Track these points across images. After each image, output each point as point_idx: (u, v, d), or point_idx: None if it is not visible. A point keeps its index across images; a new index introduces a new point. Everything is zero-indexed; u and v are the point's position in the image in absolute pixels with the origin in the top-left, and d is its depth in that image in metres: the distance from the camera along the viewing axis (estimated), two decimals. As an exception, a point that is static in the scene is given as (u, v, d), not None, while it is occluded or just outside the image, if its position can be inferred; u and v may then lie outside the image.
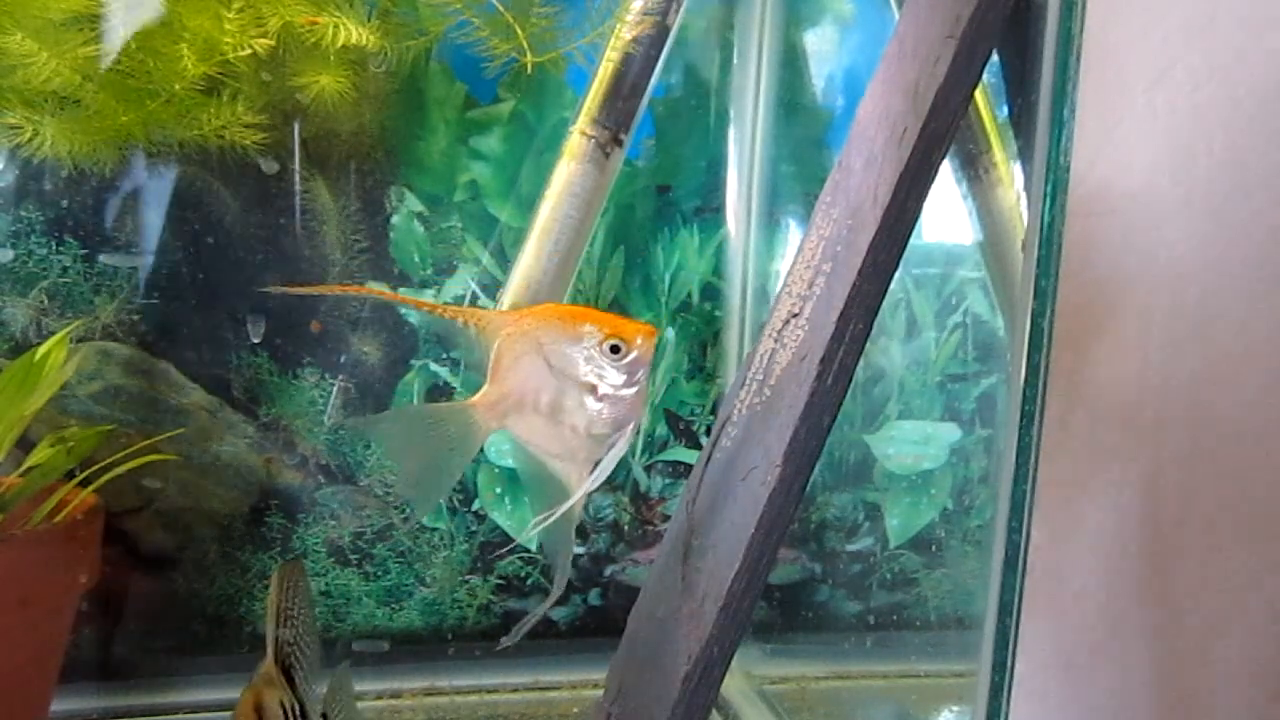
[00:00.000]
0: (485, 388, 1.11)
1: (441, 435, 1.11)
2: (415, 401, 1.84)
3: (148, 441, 1.67)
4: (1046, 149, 1.19)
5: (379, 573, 1.89)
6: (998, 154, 1.55)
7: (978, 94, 1.52)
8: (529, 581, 1.92)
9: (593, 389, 1.10)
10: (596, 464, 1.12)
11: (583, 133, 1.61)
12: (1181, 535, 1.11)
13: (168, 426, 1.75)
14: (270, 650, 1.10)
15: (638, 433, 1.17)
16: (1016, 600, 1.20)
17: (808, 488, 1.97)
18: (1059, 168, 1.17)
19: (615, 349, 1.09)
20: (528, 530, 1.14)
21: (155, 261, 1.74)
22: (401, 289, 1.83)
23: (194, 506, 1.81)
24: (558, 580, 1.19)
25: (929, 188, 1.15)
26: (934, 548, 1.95)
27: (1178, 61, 1.11)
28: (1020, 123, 1.32)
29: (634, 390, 1.11)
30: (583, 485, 1.12)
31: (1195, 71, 1.11)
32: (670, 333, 1.94)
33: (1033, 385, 1.19)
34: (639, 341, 1.10)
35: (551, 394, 1.10)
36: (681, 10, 1.68)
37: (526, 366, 1.10)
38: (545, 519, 1.12)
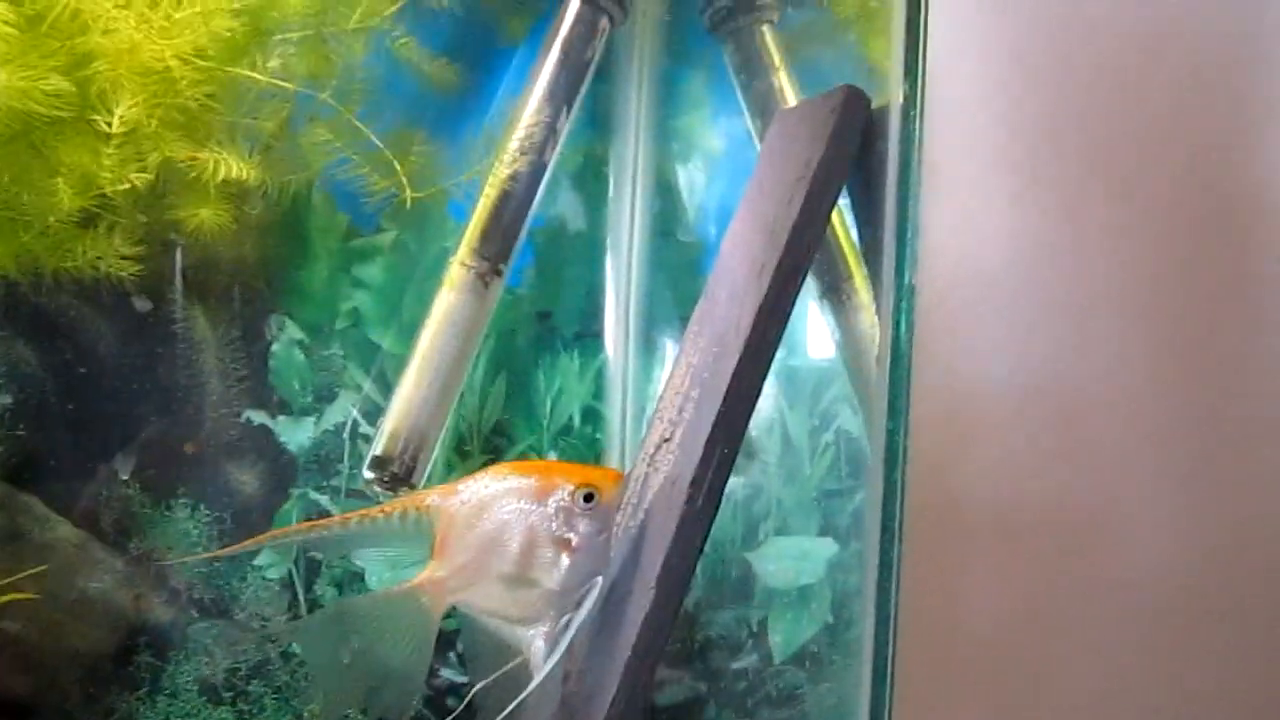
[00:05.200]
0: (432, 565, 1.04)
1: (390, 631, 1.02)
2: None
3: (7, 580, 1.60)
4: (894, 273, 1.27)
5: (254, 711, 1.82)
6: (858, 280, 1.64)
7: (838, 224, 1.63)
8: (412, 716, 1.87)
9: (566, 543, 1.06)
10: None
11: (463, 264, 1.66)
12: (1052, 641, 1.16)
13: (30, 563, 1.68)
14: None
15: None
16: (887, 711, 1.23)
17: (692, 606, 2.00)
18: (906, 288, 1.25)
19: (589, 498, 1.06)
20: (504, 714, 1.05)
21: (23, 393, 1.70)
22: (280, 417, 1.82)
23: (56, 647, 1.73)
24: None
25: (788, 317, 1.23)
26: (816, 662, 1.98)
27: (1024, 190, 1.21)
28: (870, 250, 1.41)
29: (605, 537, 1.08)
30: (553, 644, 1.05)
31: (1040, 200, 1.21)
32: (553, 457, 1.96)
33: (891, 501, 1.25)
34: (609, 487, 1.08)
35: (517, 557, 1.05)
36: (559, 147, 1.76)
37: (484, 534, 1.05)
38: (520, 697, 1.04)
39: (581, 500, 1.06)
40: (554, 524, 1.05)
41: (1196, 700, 0.97)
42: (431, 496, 1.06)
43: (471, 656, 1.08)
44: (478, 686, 1.05)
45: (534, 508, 1.05)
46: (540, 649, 1.06)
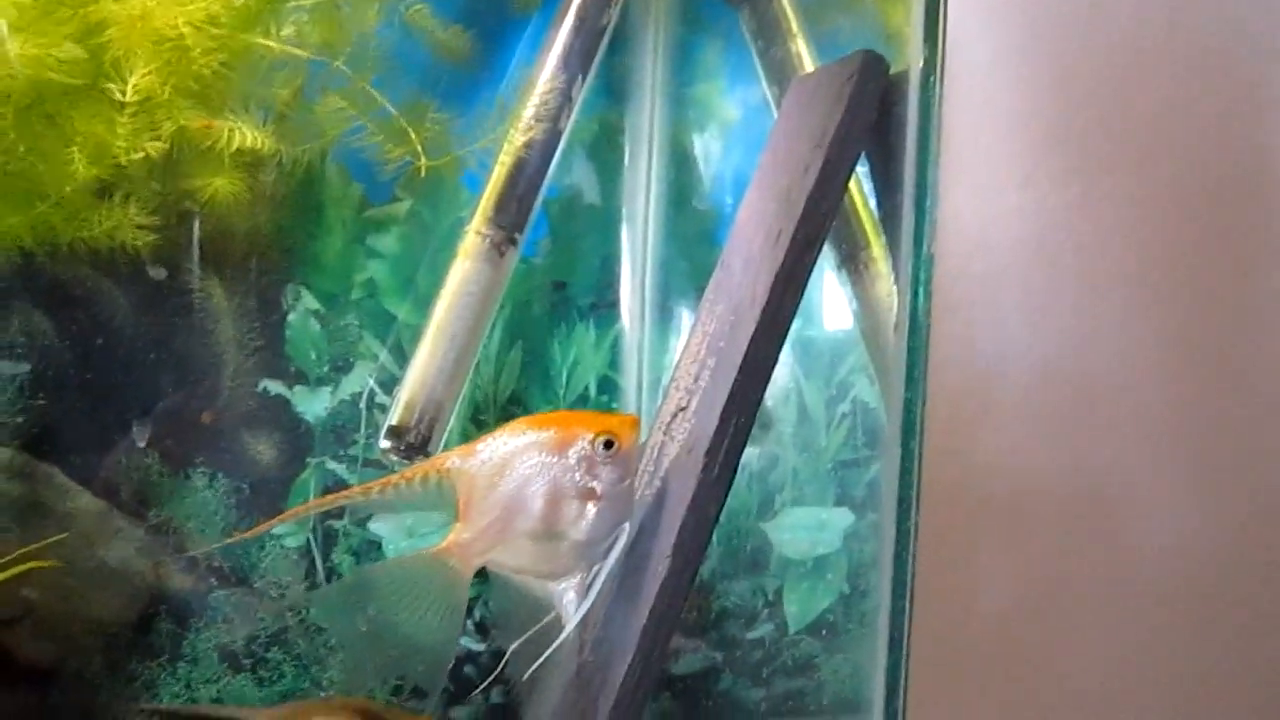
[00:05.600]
0: (457, 528, 1.03)
1: (418, 598, 1.01)
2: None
3: (27, 549, 1.62)
4: (912, 243, 1.26)
5: (274, 678, 1.84)
6: (876, 250, 1.63)
7: (855, 193, 1.61)
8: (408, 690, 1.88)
9: (591, 493, 1.05)
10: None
11: (478, 233, 1.65)
12: (1063, 611, 1.16)
13: (52, 533, 1.70)
14: None
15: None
16: (903, 680, 1.23)
17: (708, 576, 2.00)
18: (925, 260, 1.24)
19: (609, 445, 1.04)
20: (533, 667, 1.03)
21: (41, 363, 1.71)
22: (297, 387, 1.82)
23: (77, 615, 1.74)
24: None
25: (804, 286, 1.22)
26: (832, 632, 1.98)
27: (1041, 165, 1.20)
28: (889, 220, 1.40)
29: (628, 484, 1.07)
30: (583, 596, 1.05)
31: (1058, 174, 1.20)
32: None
33: (909, 471, 1.24)
34: (628, 432, 1.06)
35: (542, 512, 1.03)
36: (573, 115, 1.75)
37: (507, 492, 1.03)
38: (549, 649, 1.03)
39: (602, 448, 1.04)
40: (576, 475, 1.03)
41: (1210, 678, 0.97)
42: (451, 459, 1.05)
43: (502, 615, 1.07)
44: (514, 645, 1.04)
45: (555, 460, 1.03)
46: (571, 602, 1.05)
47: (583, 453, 1.04)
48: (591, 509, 1.04)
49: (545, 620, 1.05)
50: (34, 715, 1.73)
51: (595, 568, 1.06)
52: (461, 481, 1.03)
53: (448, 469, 1.03)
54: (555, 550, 1.04)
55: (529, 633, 1.04)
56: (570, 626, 1.04)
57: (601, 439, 1.04)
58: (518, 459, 1.03)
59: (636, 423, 1.09)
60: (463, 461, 1.04)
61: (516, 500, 1.03)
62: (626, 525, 1.08)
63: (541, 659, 1.03)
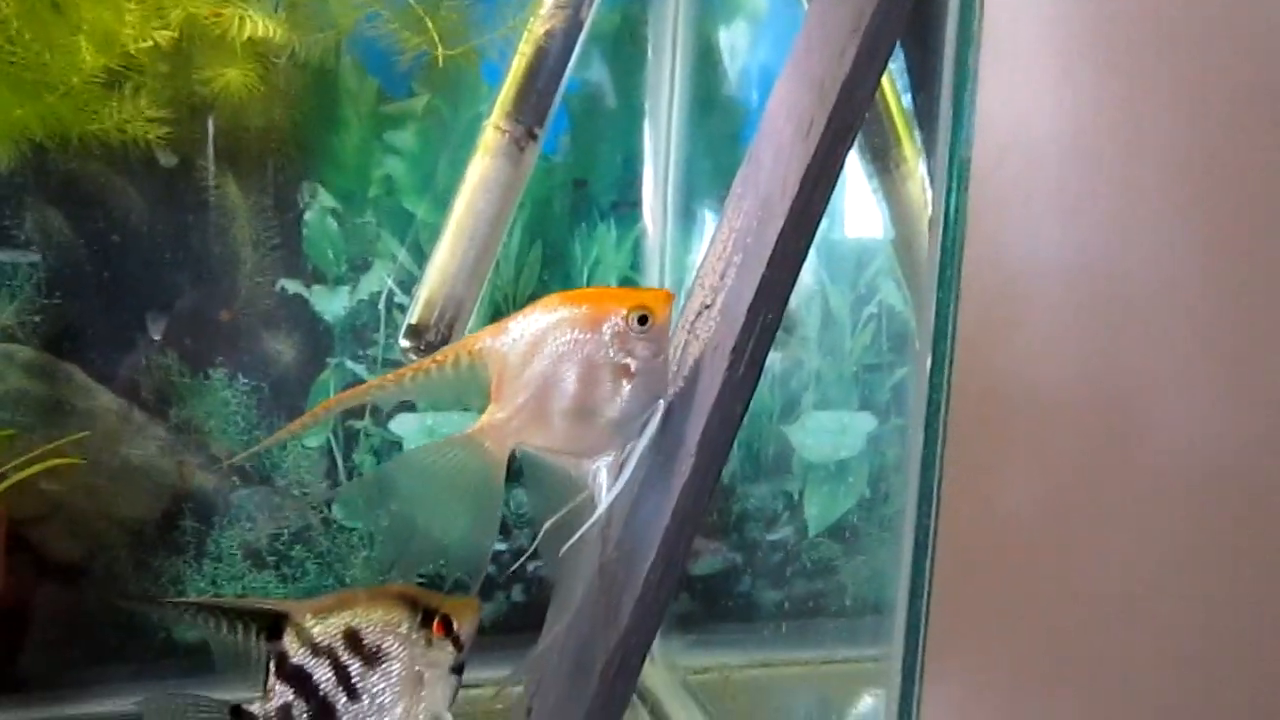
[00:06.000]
0: (490, 409, 1.00)
1: (455, 482, 0.99)
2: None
3: (52, 446, 1.62)
4: (949, 141, 1.21)
5: (297, 575, 1.86)
6: (907, 148, 1.58)
7: (887, 89, 1.55)
8: (446, 587, 1.90)
9: (625, 370, 1.02)
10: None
11: (497, 128, 1.61)
12: (1089, 518, 1.14)
13: (74, 431, 1.70)
14: None
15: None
16: (927, 584, 1.23)
17: (729, 479, 2.00)
18: (961, 159, 1.20)
19: (643, 320, 1.01)
20: (566, 546, 1.02)
21: (58, 260, 1.69)
22: (315, 286, 1.80)
23: (103, 512, 1.76)
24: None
25: (836, 180, 1.17)
26: (852, 535, 1.98)
27: (1082, 60, 1.14)
28: (924, 116, 1.35)
29: (662, 359, 1.04)
30: (616, 475, 1.03)
31: (1099, 68, 1.14)
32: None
33: (939, 373, 1.22)
34: (662, 307, 1.03)
35: (576, 389, 1.01)
36: (595, 5, 1.68)
37: (540, 370, 1.00)
38: (584, 527, 1.01)
39: (636, 323, 1.01)
40: (610, 351, 1.00)
41: (1238, 583, 0.95)
42: (482, 339, 1.01)
43: (535, 495, 1.05)
44: (547, 524, 1.02)
45: (588, 336, 1.00)
46: (605, 481, 1.03)
47: (616, 328, 1.01)
48: (626, 385, 1.02)
49: (578, 499, 1.02)
50: (65, 608, 1.76)
51: (629, 446, 1.04)
52: (494, 361, 1.00)
53: (479, 349, 1.00)
54: (590, 428, 1.02)
55: (561, 512, 1.01)
56: (603, 507, 1.02)
57: (636, 314, 1.01)
58: (550, 336, 1.00)
59: (670, 297, 1.04)
60: (494, 341, 1.00)
61: (550, 378, 1.00)
62: (661, 402, 1.05)
63: (575, 538, 1.01)
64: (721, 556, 2.04)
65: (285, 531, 1.84)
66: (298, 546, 1.85)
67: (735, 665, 1.93)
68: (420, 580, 1.56)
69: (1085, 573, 1.12)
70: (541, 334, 1.00)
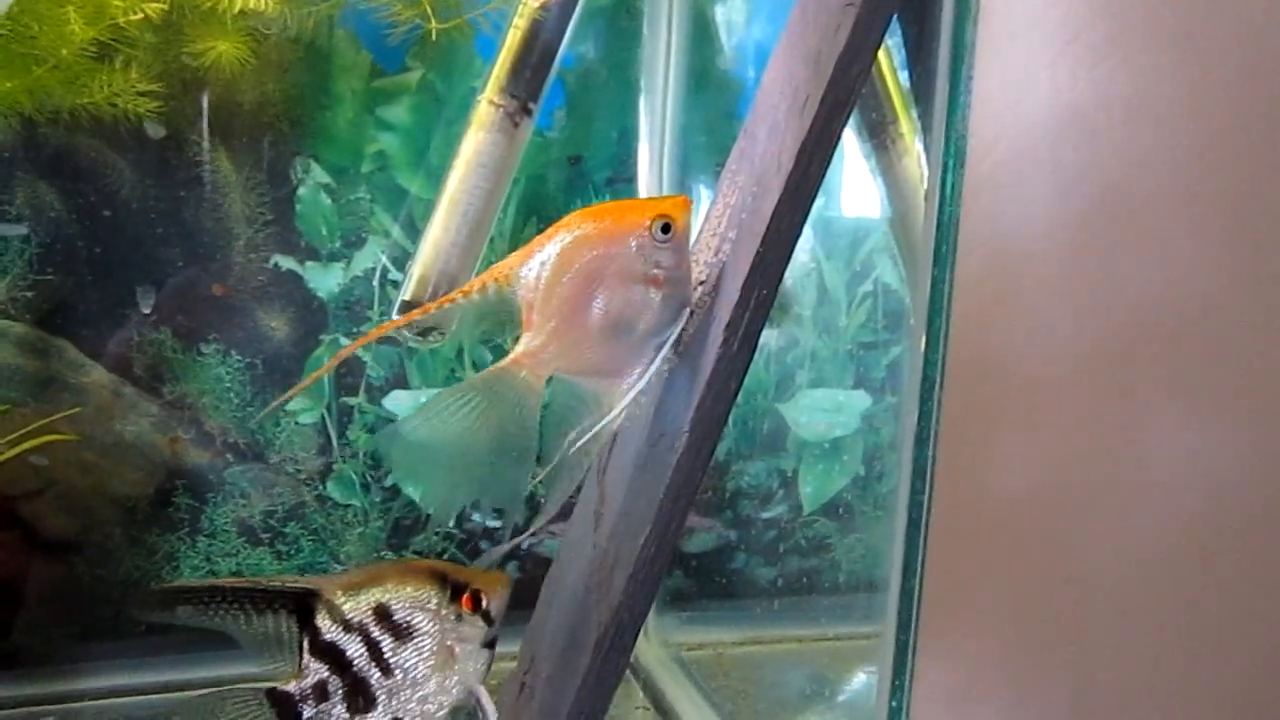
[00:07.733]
0: (525, 337, 0.98)
1: (493, 414, 0.97)
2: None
3: (44, 421, 1.62)
4: (945, 117, 1.20)
5: (291, 551, 1.86)
6: (904, 125, 1.57)
7: (884, 65, 1.54)
8: (444, 556, 1.90)
9: (655, 280, 1.01)
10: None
11: (491, 102, 1.59)
12: (1083, 498, 1.14)
13: (66, 407, 1.70)
14: None
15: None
16: (921, 562, 1.23)
17: (723, 456, 2.00)
18: (958, 136, 1.19)
19: (666, 228, 1.00)
20: (574, 447, 1.00)
21: (49, 236, 1.68)
22: (309, 263, 1.79)
23: (96, 488, 1.76)
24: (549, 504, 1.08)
25: (831, 155, 1.16)
26: (846, 513, 1.98)
27: (1080, 35, 1.13)
28: (921, 92, 1.34)
29: (686, 266, 1.03)
30: (634, 385, 1.02)
31: (1097, 44, 1.13)
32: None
33: (934, 351, 1.21)
34: (681, 213, 1.01)
35: (609, 305, 0.99)
36: (590, -22, 1.67)
37: (571, 290, 0.98)
38: (589, 430, 1.00)
39: (660, 232, 0.99)
40: (638, 263, 0.99)
41: (1230, 559, 0.95)
42: (511, 265, 0.98)
43: (558, 419, 1.03)
44: (569, 438, 1.01)
45: (615, 251, 0.98)
46: (624, 396, 1.02)
47: (641, 239, 0.99)
48: (655, 295, 1.00)
49: (608, 419, 1.01)
50: (58, 584, 1.76)
51: (657, 352, 1.03)
52: (523, 287, 0.98)
53: (508, 275, 0.98)
54: (624, 345, 1.01)
55: (585, 425, 1.00)
56: (618, 410, 1.01)
57: (659, 223, 0.99)
58: (577, 255, 0.98)
59: (689, 203, 1.03)
60: (521, 264, 0.98)
61: (581, 297, 0.98)
62: (686, 310, 1.04)
63: (587, 434, 1.00)
64: (716, 534, 2.04)
65: (279, 508, 1.84)
66: (292, 523, 1.85)
67: (729, 642, 1.94)
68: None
69: (1078, 550, 1.12)
70: (568, 254, 0.98)
